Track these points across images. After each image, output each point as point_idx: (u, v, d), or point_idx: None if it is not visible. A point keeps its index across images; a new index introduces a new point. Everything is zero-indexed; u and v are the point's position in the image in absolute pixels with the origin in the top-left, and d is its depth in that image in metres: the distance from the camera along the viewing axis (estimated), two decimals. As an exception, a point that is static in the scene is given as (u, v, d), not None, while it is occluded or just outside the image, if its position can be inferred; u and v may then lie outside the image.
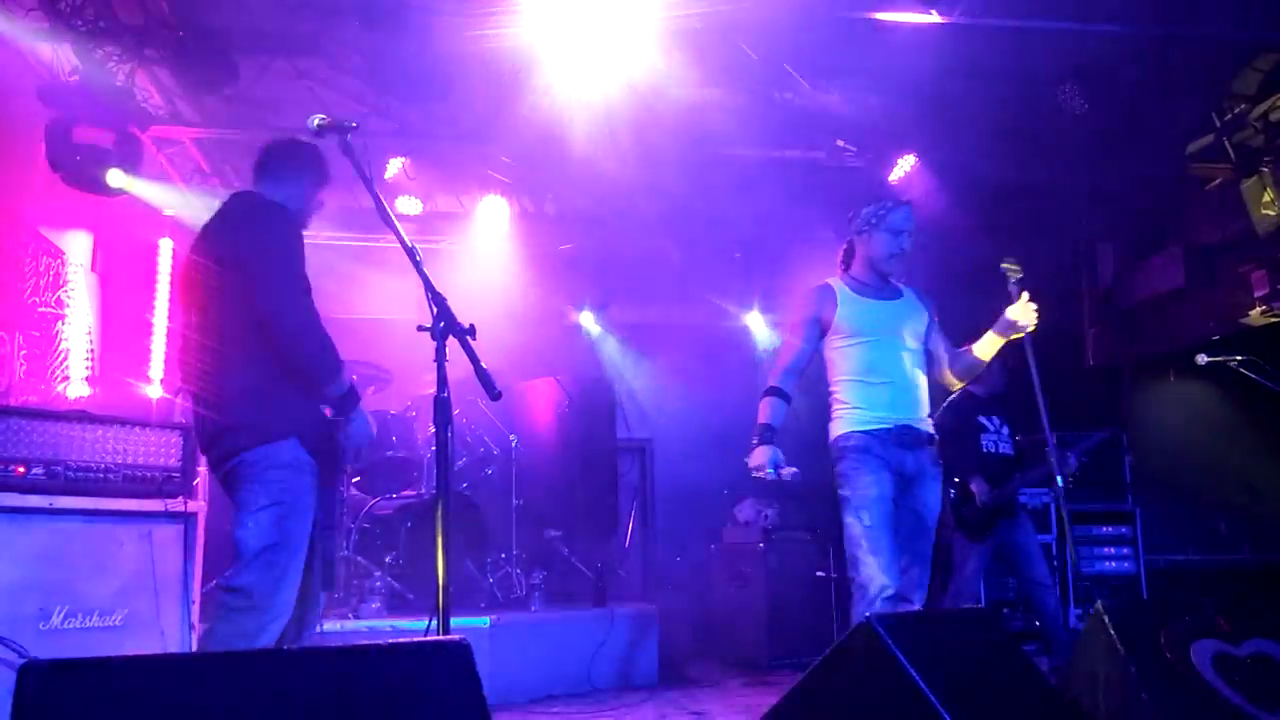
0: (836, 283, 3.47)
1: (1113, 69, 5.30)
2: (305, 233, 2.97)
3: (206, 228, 2.91)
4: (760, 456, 3.26)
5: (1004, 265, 3.44)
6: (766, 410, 3.38)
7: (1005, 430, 4.72)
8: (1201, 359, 4.53)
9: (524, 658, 4.86)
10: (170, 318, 6.66)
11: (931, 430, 3.38)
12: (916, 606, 3.32)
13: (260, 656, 1.86)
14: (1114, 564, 6.52)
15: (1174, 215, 7.10)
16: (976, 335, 3.44)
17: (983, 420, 4.68)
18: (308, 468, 2.73)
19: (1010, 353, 3.56)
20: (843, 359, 3.37)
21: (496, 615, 4.86)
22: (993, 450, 4.64)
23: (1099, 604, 2.54)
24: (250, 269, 2.71)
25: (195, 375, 2.82)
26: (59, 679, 1.43)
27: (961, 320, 3.68)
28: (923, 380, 3.41)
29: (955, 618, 2.41)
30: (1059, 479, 3.42)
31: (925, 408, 3.39)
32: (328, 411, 2.84)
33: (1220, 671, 2.46)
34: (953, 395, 4.79)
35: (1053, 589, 4.55)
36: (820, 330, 3.41)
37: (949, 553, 4.62)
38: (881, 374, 3.31)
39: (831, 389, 3.41)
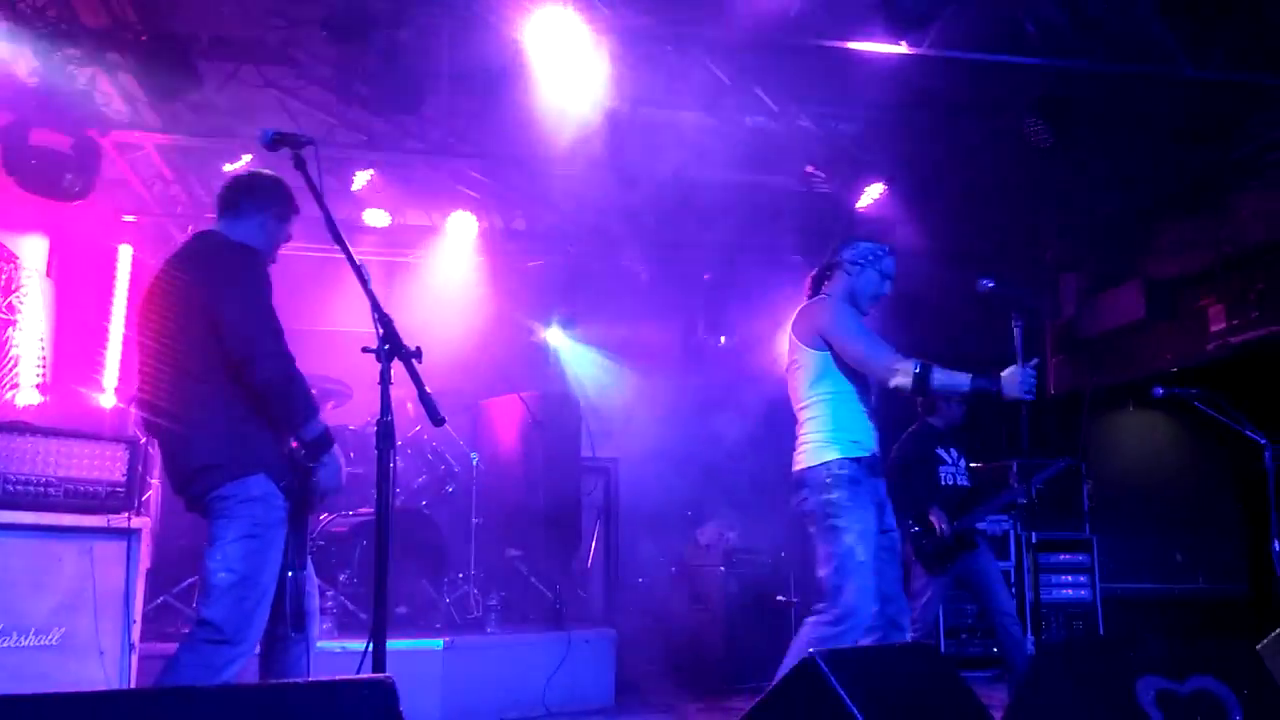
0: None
1: (1076, 103, 5.37)
2: None
3: (169, 265, 2.87)
4: None
5: (989, 287, 3.34)
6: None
7: (962, 463, 4.74)
8: (1158, 391, 4.57)
9: (479, 680, 4.80)
10: (127, 328, 6.55)
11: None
12: None
13: (177, 694, 1.81)
14: (1071, 592, 6.55)
15: (1136, 248, 7.20)
16: (940, 360, 3.24)
17: (940, 452, 4.69)
18: (278, 502, 2.73)
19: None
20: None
21: (452, 637, 4.79)
22: (951, 482, 4.65)
23: (1043, 639, 2.54)
24: (221, 314, 2.69)
25: (164, 413, 2.77)
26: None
27: (928, 346, 3.58)
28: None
29: (896, 651, 2.40)
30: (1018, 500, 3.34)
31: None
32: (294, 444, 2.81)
33: (1163, 708, 2.47)
34: (912, 426, 4.79)
35: (1015, 618, 4.55)
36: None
37: (908, 582, 4.62)
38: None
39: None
